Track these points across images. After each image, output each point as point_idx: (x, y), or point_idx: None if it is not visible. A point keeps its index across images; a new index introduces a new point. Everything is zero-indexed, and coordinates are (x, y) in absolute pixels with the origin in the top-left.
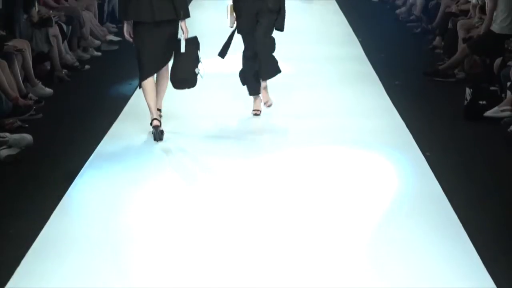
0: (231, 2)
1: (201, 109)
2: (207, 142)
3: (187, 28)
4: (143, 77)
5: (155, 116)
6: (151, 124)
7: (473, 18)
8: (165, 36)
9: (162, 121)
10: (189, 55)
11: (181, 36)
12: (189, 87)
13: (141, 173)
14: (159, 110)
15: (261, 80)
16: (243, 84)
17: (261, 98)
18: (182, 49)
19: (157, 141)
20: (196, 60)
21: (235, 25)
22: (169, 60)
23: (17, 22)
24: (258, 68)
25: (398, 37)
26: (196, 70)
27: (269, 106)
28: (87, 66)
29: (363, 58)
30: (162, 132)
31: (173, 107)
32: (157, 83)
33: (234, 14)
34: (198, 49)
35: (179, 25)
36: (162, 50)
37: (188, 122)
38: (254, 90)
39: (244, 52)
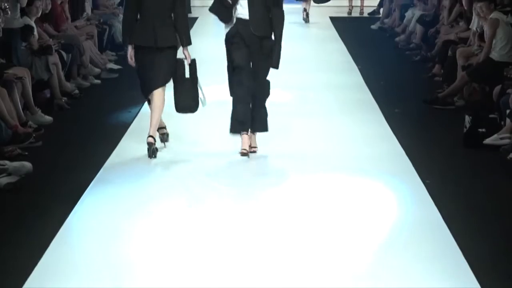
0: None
1: (202, 138)
2: (207, 173)
3: (190, 55)
4: (146, 94)
5: (150, 133)
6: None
7: (472, 46)
8: (165, 60)
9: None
10: (193, 81)
11: (185, 61)
12: (191, 112)
13: (141, 201)
14: (152, 138)
15: (251, 129)
16: (232, 127)
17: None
18: (187, 74)
19: (150, 157)
20: (198, 85)
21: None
22: (167, 81)
23: (15, 50)
24: (253, 103)
25: (398, 65)
26: (200, 98)
27: (254, 152)
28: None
29: (362, 86)
30: (156, 149)
31: (175, 135)
32: (152, 102)
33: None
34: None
35: (182, 51)
36: (162, 72)
37: (189, 150)
38: (243, 127)
39: (238, 81)
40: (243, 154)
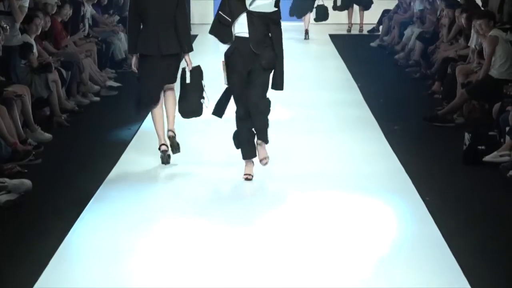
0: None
1: (203, 154)
2: (209, 189)
3: (191, 61)
4: (142, 110)
5: (162, 142)
6: (159, 148)
7: (472, 63)
8: (168, 67)
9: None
10: (194, 86)
11: (186, 67)
12: (196, 116)
13: (141, 218)
14: (172, 132)
15: (256, 138)
16: (237, 147)
17: (258, 153)
18: (188, 80)
19: (165, 164)
20: (201, 90)
21: (226, 81)
22: (162, 89)
23: (14, 68)
24: (253, 127)
25: (397, 82)
26: (202, 100)
27: (265, 164)
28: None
29: (362, 103)
30: (169, 156)
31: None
32: (166, 107)
33: (225, 69)
34: (202, 78)
35: (184, 57)
36: (163, 81)
37: (190, 167)
38: (249, 154)
39: (236, 111)
40: (246, 179)
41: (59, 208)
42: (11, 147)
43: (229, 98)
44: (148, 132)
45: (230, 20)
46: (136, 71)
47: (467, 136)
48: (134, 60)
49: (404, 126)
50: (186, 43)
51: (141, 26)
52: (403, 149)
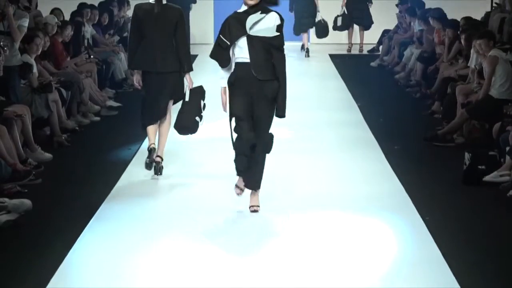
0: (224, 84)
1: (204, 175)
2: (210, 210)
3: (192, 80)
4: (144, 125)
5: (152, 142)
6: (148, 148)
7: (472, 83)
8: (168, 85)
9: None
10: (192, 104)
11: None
12: (190, 133)
13: (141, 238)
14: (160, 158)
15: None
16: (238, 174)
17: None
18: (187, 98)
19: (156, 174)
20: (199, 109)
21: (228, 111)
22: (167, 108)
23: (13, 88)
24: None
25: (397, 102)
26: (197, 118)
27: (253, 211)
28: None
29: (362, 123)
30: (160, 165)
31: (177, 171)
32: (159, 127)
33: (227, 98)
34: (203, 98)
35: (184, 76)
36: (165, 99)
37: (191, 188)
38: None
39: (236, 142)
40: (253, 211)
41: (59, 227)
42: (11, 167)
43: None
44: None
45: (228, 43)
46: (139, 87)
47: (467, 156)
48: (136, 76)
49: (404, 146)
50: (186, 62)
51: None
52: (403, 169)
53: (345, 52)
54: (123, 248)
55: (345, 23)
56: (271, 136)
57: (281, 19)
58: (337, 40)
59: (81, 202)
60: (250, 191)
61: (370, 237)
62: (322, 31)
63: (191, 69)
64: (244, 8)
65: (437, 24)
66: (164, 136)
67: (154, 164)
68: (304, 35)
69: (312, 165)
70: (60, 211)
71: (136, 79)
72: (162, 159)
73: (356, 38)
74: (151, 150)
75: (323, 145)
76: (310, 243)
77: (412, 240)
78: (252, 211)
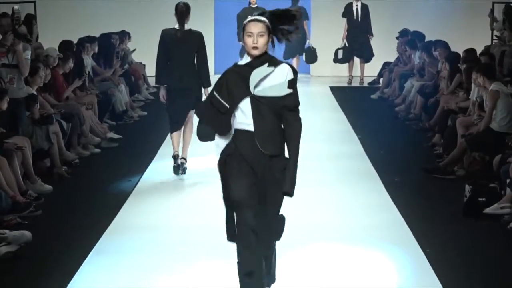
0: (217, 156)
1: (204, 209)
2: (210, 245)
3: None
4: (171, 130)
5: (176, 150)
6: (173, 156)
7: (472, 116)
8: (191, 98)
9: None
10: None
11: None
12: (209, 140)
13: (140, 271)
14: (184, 159)
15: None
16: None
17: None
18: None
19: (177, 174)
20: None
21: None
22: (187, 116)
23: (20, 120)
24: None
25: (398, 134)
26: None
27: None
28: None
29: (362, 155)
30: (183, 166)
31: (178, 205)
32: (183, 135)
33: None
34: None
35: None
36: (186, 110)
37: (190, 222)
38: None
39: (239, 234)
40: None
41: (59, 260)
42: (11, 199)
43: (234, 216)
44: (148, 184)
45: (227, 106)
46: (165, 101)
47: (467, 188)
48: (162, 91)
49: (404, 178)
50: (205, 79)
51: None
52: (404, 201)
53: (345, 85)
54: (122, 281)
55: (346, 55)
56: (282, 219)
57: (294, 72)
58: (338, 72)
59: (81, 234)
60: None
61: (370, 269)
62: (311, 57)
63: (210, 85)
64: (246, 59)
65: (440, 55)
66: (187, 142)
67: (180, 163)
68: (294, 60)
69: (312, 196)
70: (60, 243)
71: (162, 94)
72: (186, 160)
73: (356, 71)
74: (175, 157)
75: (323, 176)
76: (309, 275)
77: (413, 272)
78: None
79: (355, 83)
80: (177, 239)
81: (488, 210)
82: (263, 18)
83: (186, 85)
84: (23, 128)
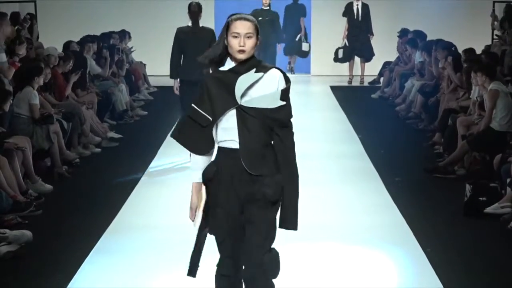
0: (197, 179)
1: None
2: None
3: None
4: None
5: None
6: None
7: (473, 115)
8: None
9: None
10: None
11: None
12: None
13: (141, 270)
14: None
15: None
16: None
17: None
18: None
19: None
20: None
21: (198, 223)
22: None
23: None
24: None
25: (398, 134)
26: None
27: None
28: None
29: (363, 154)
30: None
31: (177, 205)
32: None
33: (202, 202)
34: None
35: None
36: None
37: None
38: None
39: (219, 269)
40: None
41: (60, 259)
42: (12, 198)
43: (202, 249)
44: (149, 183)
45: (210, 118)
46: (178, 93)
47: (468, 187)
48: (175, 84)
49: (405, 178)
50: None
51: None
52: (404, 200)
53: (346, 84)
54: (123, 281)
55: (346, 55)
56: (275, 255)
57: (287, 80)
58: (338, 72)
59: (81, 234)
60: None
61: (371, 268)
62: (298, 49)
63: None
64: (229, 64)
65: (442, 55)
66: None
67: None
68: (292, 57)
69: (312, 196)
70: (61, 242)
71: (175, 86)
72: None
73: (357, 70)
74: None
75: (323, 176)
76: (310, 274)
77: (413, 272)
78: None
79: (356, 82)
80: (177, 239)
81: (488, 209)
82: (251, 17)
83: (200, 78)
84: (19, 128)
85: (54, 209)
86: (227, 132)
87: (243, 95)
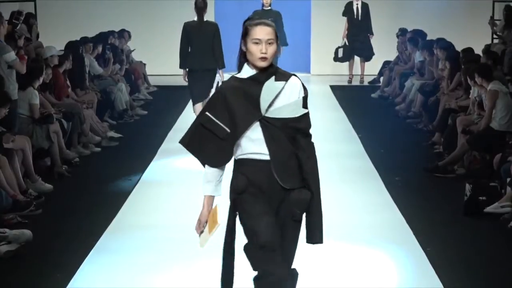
0: (209, 191)
1: None
2: (211, 242)
3: (223, 75)
4: (194, 103)
5: None
6: None
7: (472, 115)
8: (208, 78)
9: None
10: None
11: (219, 79)
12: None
13: (141, 270)
14: None
15: None
16: None
17: None
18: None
19: None
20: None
21: (204, 243)
22: (209, 94)
23: (14, 119)
24: None
25: (398, 133)
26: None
27: None
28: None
29: (363, 154)
30: None
31: (177, 205)
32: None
33: (215, 227)
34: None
35: (218, 72)
36: (205, 87)
37: (190, 221)
38: None
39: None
40: None
41: (59, 258)
42: (12, 198)
43: (233, 259)
44: (149, 183)
45: (228, 130)
46: (187, 82)
47: (468, 187)
48: (184, 73)
49: (405, 177)
50: (220, 61)
51: (189, 49)
52: (404, 200)
53: (346, 83)
54: (123, 280)
55: (346, 54)
56: (295, 276)
57: (305, 88)
58: (338, 71)
59: (81, 233)
60: None
61: (371, 268)
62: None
63: (224, 66)
64: (248, 71)
65: (442, 54)
66: None
67: None
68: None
69: None
70: (60, 242)
71: (184, 75)
72: None
73: (357, 69)
74: None
75: (323, 175)
76: (309, 274)
77: (413, 271)
78: None
79: (356, 82)
80: (177, 238)
81: (488, 209)
82: (271, 22)
83: (206, 66)
84: (18, 127)
85: (54, 208)
86: (254, 144)
87: (269, 107)
